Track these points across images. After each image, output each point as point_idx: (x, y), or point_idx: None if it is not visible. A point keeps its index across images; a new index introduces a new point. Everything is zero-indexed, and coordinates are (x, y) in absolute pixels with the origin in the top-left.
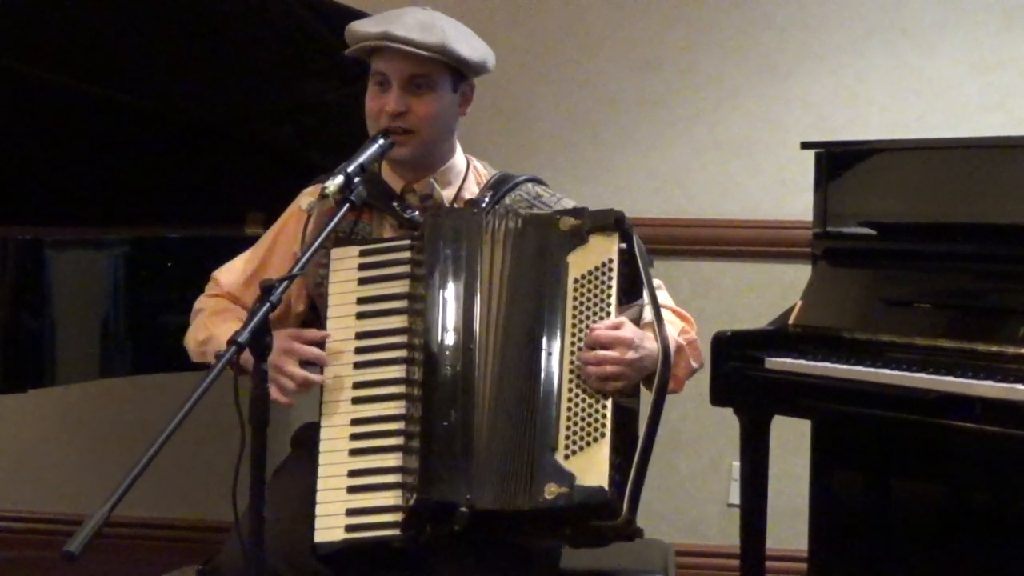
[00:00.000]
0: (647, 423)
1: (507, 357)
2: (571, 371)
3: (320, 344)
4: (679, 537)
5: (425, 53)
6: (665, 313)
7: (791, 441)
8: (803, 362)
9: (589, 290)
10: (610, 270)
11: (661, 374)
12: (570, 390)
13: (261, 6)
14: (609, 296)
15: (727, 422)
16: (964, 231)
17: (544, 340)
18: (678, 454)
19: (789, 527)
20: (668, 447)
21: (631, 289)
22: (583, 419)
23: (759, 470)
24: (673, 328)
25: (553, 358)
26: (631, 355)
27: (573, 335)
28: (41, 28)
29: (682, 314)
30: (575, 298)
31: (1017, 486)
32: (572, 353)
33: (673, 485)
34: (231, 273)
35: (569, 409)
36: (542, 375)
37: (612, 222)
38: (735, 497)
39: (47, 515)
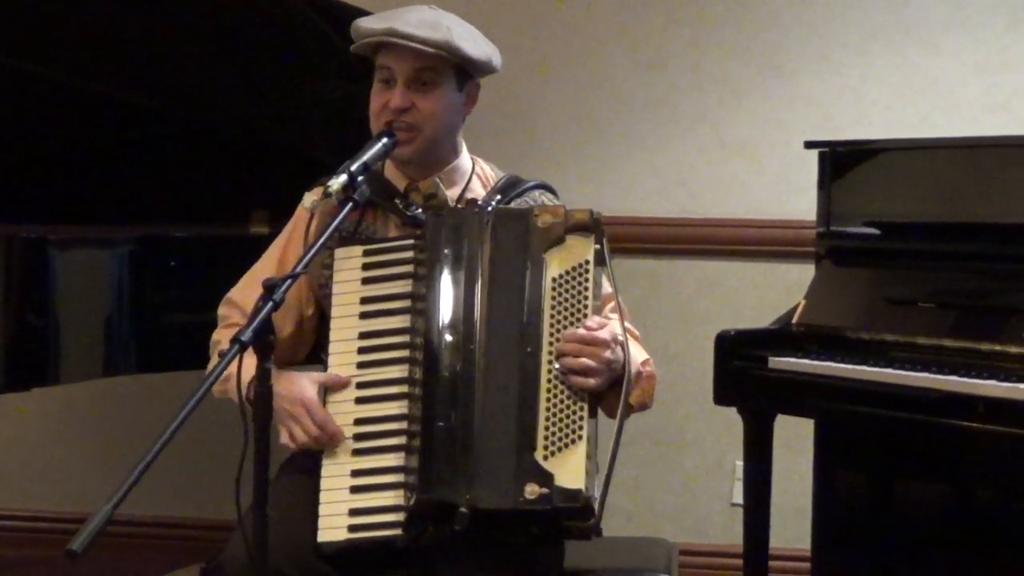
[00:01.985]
0: (616, 427)
1: (495, 354)
2: (549, 370)
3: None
4: (683, 536)
5: (430, 50)
6: (634, 344)
7: (794, 440)
8: (806, 361)
9: (567, 290)
10: (586, 271)
11: (625, 389)
12: (549, 390)
13: (267, 5)
14: (586, 297)
15: (731, 421)
16: (968, 231)
17: (527, 338)
18: (682, 453)
19: (792, 526)
20: (672, 446)
21: (600, 290)
22: (561, 420)
23: (762, 469)
24: (639, 354)
25: (532, 356)
26: (608, 354)
27: (551, 335)
28: (47, 26)
29: (638, 344)
30: (553, 297)
31: (1020, 485)
32: (551, 353)
33: (677, 484)
34: (247, 291)
35: (548, 409)
36: (524, 373)
37: (591, 222)
38: (739, 496)
39: (50, 514)
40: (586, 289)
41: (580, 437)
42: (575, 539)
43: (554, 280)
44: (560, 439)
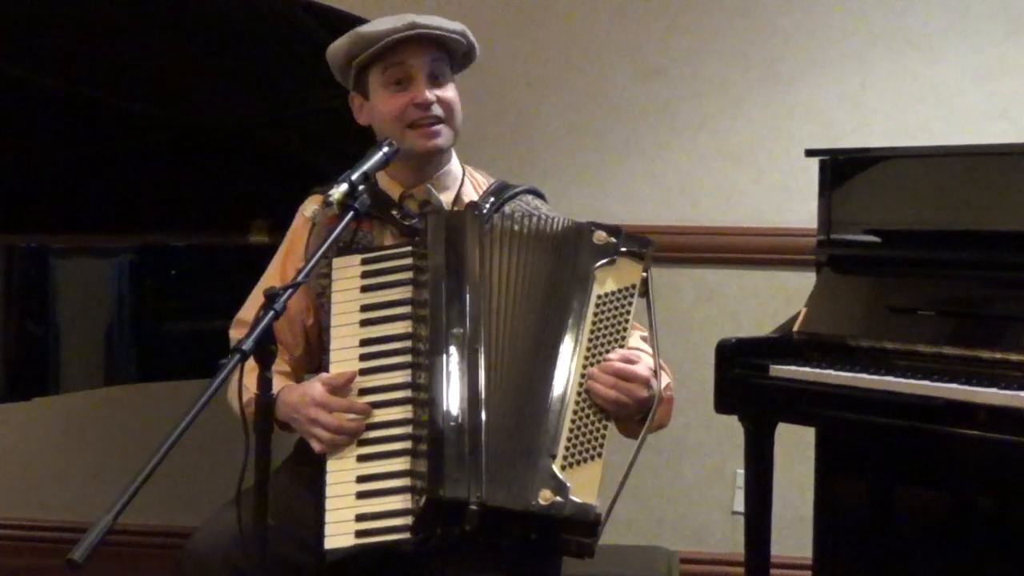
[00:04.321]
0: (633, 455)
1: (521, 353)
2: (580, 384)
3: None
4: (683, 545)
5: (456, 36)
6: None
7: (795, 448)
8: (807, 369)
9: (609, 310)
10: (631, 295)
11: (651, 418)
12: (576, 403)
13: (266, 14)
14: (626, 321)
15: (731, 430)
16: (968, 238)
17: (562, 346)
18: (683, 461)
19: (793, 535)
20: (672, 454)
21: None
22: (584, 435)
23: (763, 477)
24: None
25: (567, 367)
26: (642, 393)
27: (588, 349)
28: (46, 35)
29: (666, 369)
30: (596, 314)
31: (1021, 493)
32: (584, 367)
33: (677, 492)
34: (254, 309)
35: (573, 422)
36: (554, 381)
37: (644, 249)
38: (739, 505)
39: (51, 523)
40: (628, 312)
41: (599, 455)
42: (568, 555)
43: (599, 297)
44: (580, 453)
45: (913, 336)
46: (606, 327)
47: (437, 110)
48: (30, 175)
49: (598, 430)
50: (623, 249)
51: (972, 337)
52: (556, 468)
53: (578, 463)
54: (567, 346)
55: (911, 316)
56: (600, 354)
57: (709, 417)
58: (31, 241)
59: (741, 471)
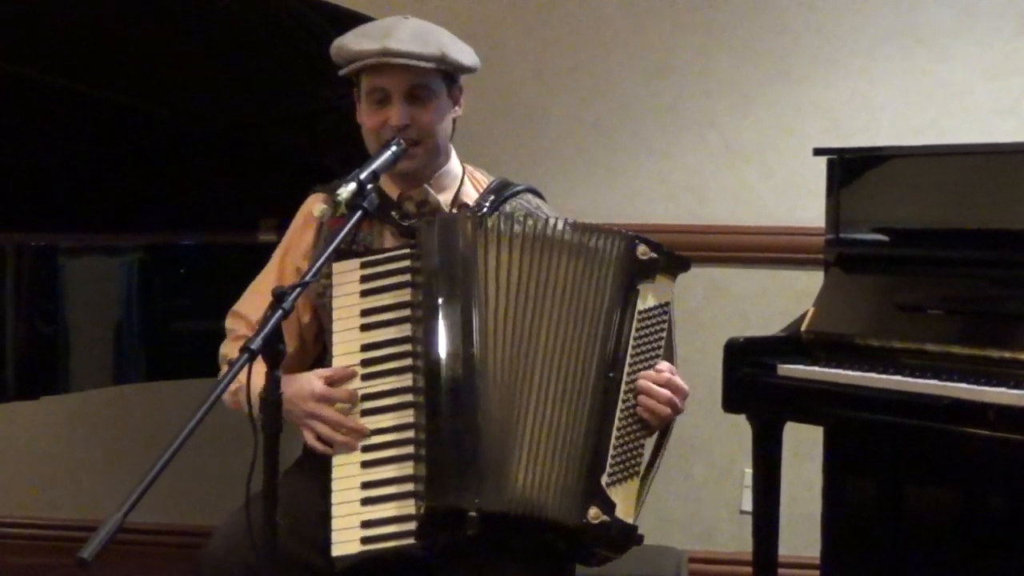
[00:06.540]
0: (652, 473)
1: (526, 356)
2: (625, 400)
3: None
4: (692, 544)
5: (429, 65)
6: None
7: (803, 447)
8: (815, 369)
9: (648, 326)
10: (666, 312)
11: (669, 435)
12: (620, 419)
13: (275, 13)
14: (661, 338)
15: (739, 428)
16: (977, 237)
17: (611, 360)
18: (691, 461)
19: (802, 534)
20: (681, 454)
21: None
22: (626, 452)
23: (771, 477)
24: None
25: (613, 382)
26: (682, 405)
27: (631, 365)
28: (55, 34)
29: None
30: (638, 329)
31: None
32: (628, 383)
33: (686, 492)
34: (252, 303)
35: (617, 439)
36: (601, 396)
37: (681, 267)
38: (747, 504)
39: (61, 521)
40: (663, 329)
41: (637, 473)
42: (588, 565)
43: (640, 313)
44: (623, 471)
45: (922, 335)
46: (647, 343)
47: (411, 133)
48: (39, 174)
49: (637, 448)
50: (663, 266)
51: (981, 336)
52: (603, 484)
53: (621, 481)
54: (617, 360)
55: (920, 315)
56: (642, 370)
57: (717, 416)
58: (40, 240)
59: (749, 470)
